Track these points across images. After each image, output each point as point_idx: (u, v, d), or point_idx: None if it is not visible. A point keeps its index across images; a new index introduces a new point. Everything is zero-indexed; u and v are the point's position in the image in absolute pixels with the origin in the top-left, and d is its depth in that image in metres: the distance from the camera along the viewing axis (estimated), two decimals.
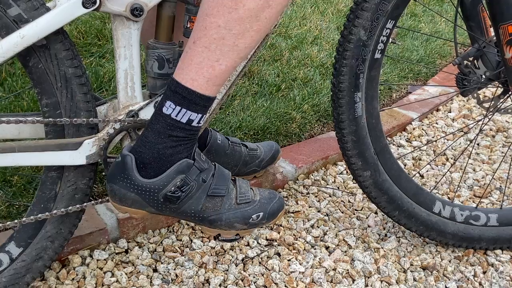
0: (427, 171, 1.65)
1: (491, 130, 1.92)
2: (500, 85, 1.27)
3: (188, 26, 0.98)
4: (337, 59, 1.12)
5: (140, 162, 0.92)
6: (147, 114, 0.99)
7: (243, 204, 0.99)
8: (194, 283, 1.16)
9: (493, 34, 1.19)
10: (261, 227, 1.34)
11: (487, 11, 1.16)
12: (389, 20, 1.10)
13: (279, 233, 1.33)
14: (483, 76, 1.24)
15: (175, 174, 0.92)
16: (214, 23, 0.83)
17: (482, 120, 1.42)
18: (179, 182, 0.92)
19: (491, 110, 1.30)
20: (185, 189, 0.93)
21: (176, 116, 0.88)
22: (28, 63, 0.91)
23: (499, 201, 1.52)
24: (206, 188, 0.96)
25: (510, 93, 1.26)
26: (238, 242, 1.29)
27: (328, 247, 1.31)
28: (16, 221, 0.98)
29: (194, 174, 0.94)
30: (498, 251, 1.33)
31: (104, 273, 1.18)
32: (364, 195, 1.48)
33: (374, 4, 1.07)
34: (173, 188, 0.92)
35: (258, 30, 0.85)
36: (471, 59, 1.24)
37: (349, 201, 1.49)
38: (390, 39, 1.13)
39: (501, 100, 1.29)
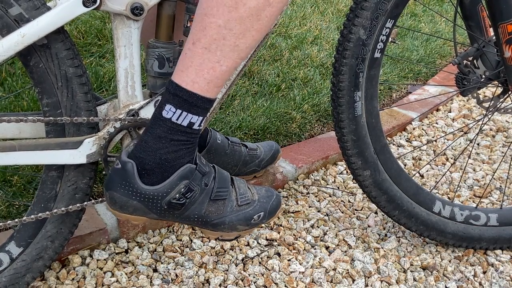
0: (427, 171, 1.65)
1: (491, 130, 1.92)
2: (499, 85, 1.27)
3: (188, 25, 0.98)
4: (337, 58, 1.12)
5: (141, 168, 0.89)
6: (147, 113, 0.99)
7: (244, 206, 0.98)
8: (194, 283, 1.16)
9: (492, 34, 1.19)
10: (261, 227, 1.35)
11: (486, 10, 1.16)
12: (389, 19, 1.10)
13: (279, 233, 1.33)
14: (483, 76, 1.24)
15: (178, 180, 0.90)
16: (214, 23, 0.81)
17: (482, 119, 1.42)
18: (183, 188, 0.90)
19: (491, 109, 1.30)
20: (190, 195, 0.91)
21: (177, 119, 0.86)
22: (29, 63, 0.91)
23: (499, 201, 1.52)
24: (209, 192, 0.94)
25: (510, 92, 1.26)
26: (238, 242, 1.29)
27: (328, 247, 1.31)
28: (16, 220, 0.98)
29: (197, 179, 0.92)
30: (498, 251, 1.33)
31: (104, 273, 1.18)
32: (364, 195, 1.48)
33: (374, 3, 1.07)
34: (177, 195, 0.90)
35: (259, 30, 0.83)
36: (470, 58, 1.24)
37: (349, 201, 1.49)
38: (390, 38, 1.13)
39: (501, 99, 1.29)
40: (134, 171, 0.89)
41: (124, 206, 0.92)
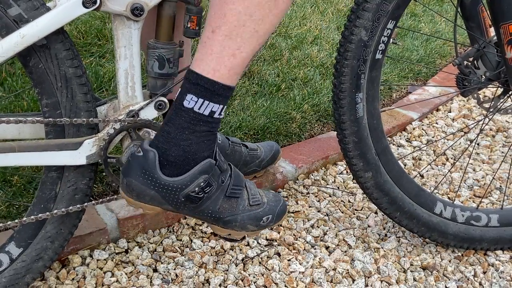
0: (427, 171, 1.65)
1: (491, 130, 1.92)
2: (500, 85, 1.27)
3: (189, 26, 0.97)
4: (338, 59, 1.12)
5: (163, 159, 0.89)
6: (147, 114, 0.99)
7: (255, 206, 0.99)
8: (194, 283, 1.16)
9: (493, 34, 1.19)
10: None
11: (488, 11, 1.16)
12: (390, 20, 1.10)
13: (279, 233, 1.33)
14: (483, 76, 1.24)
15: (198, 174, 0.90)
16: (234, 10, 0.82)
17: (483, 120, 1.42)
18: (202, 182, 0.91)
19: (491, 110, 1.30)
20: (208, 190, 0.92)
21: (198, 109, 0.87)
22: (29, 63, 0.91)
23: (499, 201, 1.52)
24: (224, 188, 0.95)
25: (510, 93, 1.26)
26: (238, 243, 1.29)
27: (328, 247, 1.31)
28: (16, 221, 0.98)
29: (216, 174, 0.93)
30: (499, 251, 1.33)
31: (104, 273, 1.17)
32: (364, 195, 1.48)
33: (375, 4, 1.06)
34: (197, 189, 0.91)
35: (276, 14, 0.84)
36: (471, 59, 1.24)
37: (349, 201, 1.49)
38: (391, 39, 1.13)
39: (501, 100, 1.29)
40: (156, 161, 0.89)
41: (141, 195, 0.92)
